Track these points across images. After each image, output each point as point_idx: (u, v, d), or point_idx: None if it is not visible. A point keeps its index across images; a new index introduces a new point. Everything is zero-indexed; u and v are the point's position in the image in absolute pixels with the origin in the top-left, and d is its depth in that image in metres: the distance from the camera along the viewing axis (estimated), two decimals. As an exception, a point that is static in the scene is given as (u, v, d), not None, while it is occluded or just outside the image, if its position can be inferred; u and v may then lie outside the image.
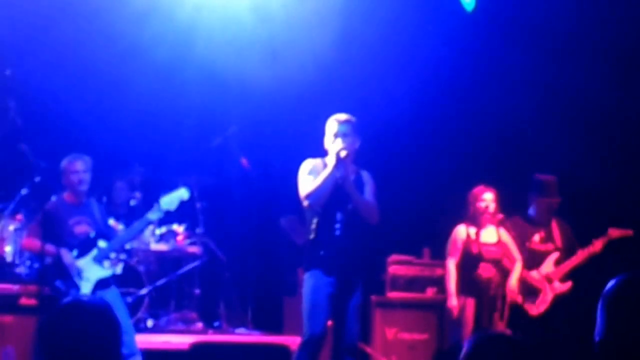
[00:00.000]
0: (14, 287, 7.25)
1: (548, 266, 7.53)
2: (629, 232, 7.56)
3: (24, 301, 7.08)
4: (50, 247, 6.56)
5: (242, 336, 8.75)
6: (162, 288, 9.05)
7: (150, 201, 8.87)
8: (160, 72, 9.12)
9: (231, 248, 9.62)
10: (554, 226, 7.65)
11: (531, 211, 7.68)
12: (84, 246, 6.69)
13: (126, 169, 9.26)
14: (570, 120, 8.71)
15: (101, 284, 6.67)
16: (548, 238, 7.60)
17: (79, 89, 8.94)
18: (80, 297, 2.82)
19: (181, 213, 8.93)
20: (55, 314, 2.65)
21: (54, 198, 6.98)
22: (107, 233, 6.90)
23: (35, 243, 6.63)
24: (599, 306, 2.53)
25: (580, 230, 7.72)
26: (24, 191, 7.77)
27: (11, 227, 7.91)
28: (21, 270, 7.71)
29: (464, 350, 2.86)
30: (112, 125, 9.06)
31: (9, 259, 7.80)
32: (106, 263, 6.74)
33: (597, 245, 7.49)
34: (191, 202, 9.17)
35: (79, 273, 6.60)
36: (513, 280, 7.32)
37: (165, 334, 8.46)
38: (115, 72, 9.06)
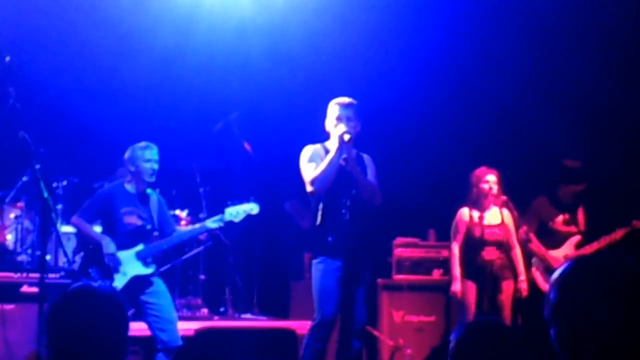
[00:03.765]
0: (16, 276, 7.19)
1: (568, 248, 7.47)
2: None
3: (25, 289, 7.01)
4: (91, 231, 6.46)
5: (248, 321, 8.70)
6: (166, 274, 8.97)
7: (152, 188, 8.86)
8: (160, 57, 9.08)
9: (236, 233, 9.55)
10: (581, 212, 7.60)
11: (559, 197, 7.61)
12: (130, 238, 6.44)
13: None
14: (577, 104, 8.62)
15: (140, 281, 6.41)
16: (572, 221, 7.56)
17: (79, 74, 8.89)
18: (88, 283, 2.78)
19: (184, 198, 8.89)
20: (63, 299, 2.64)
21: (57, 186, 6.87)
22: (162, 229, 6.65)
23: (84, 225, 6.46)
24: (552, 295, 2.32)
25: (601, 219, 7.66)
26: (24, 178, 7.69)
27: (12, 215, 7.84)
28: (23, 258, 7.66)
29: (455, 336, 2.80)
30: (112, 110, 9.00)
31: (10, 247, 7.74)
32: (158, 263, 6.55)
33: (619, 233, 7.41)
34: (194, 187, 9.14)
35: (117, 265, 6.34)
36: (522, 283, 7.24)
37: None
38: (115, 57, 9.01)
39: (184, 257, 9.10)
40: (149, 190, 6.69)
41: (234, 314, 8.99)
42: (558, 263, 7.41)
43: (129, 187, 6.60)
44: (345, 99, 6.19)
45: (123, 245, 6.42)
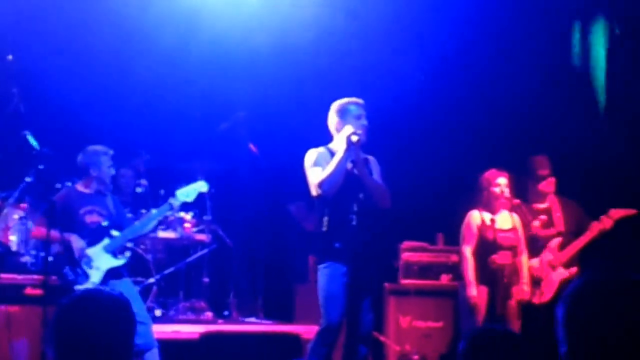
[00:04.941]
0: (20, 277, 7.12)
1: (551, 252, 7.31)
2: (633, 212, 7.23)
3: (29, 291, 6.94)
4: (55, 234, 6.42)
5: (253, 325, 8.63)
6: (170, 277, 8.92)
7: (156, 188, 8.80)
8: (165, 56, 9.01)
9: (240, 235, 9.49)
10: (557, 208, 7.41)
11: (530, 195, 7.46)
12: (95, 235, 6.56)
13: (132, 155, 9.09)
14: (586, 103, 8.52)
15: (112, 274, 6.53)
16: (549, 223, 7.37)
17: (83, 74, 8.81)
18: (97, 288, 2.77)
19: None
20: (70, 303, 2.63)
21: (61, 187, 6.85)
22: (121, 223, 6.75)
23: (43, 231, 6.46)
24: (560, 312, 2.30)
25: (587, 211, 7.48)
26: (28, 179, 7.59)
27: (16, 216, 7.75)
28: (26, 259, 7.57)
29: (461, 347, 2.78)
30: (116, 111, 8.94)
31: (14, 248, 7.65)
32: (124, 253, 6.65)
33: (599, 226, 7.22)
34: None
35: (89, 262, 6.47)
36: (525, 286, 7.13)
37: (174, 323, 8.32)
38: (119, 56, 8.93)
39: (188, 260, 9.03)
40: None
41: (238, 317, 8.92)
42: (542, 272, 7.26)
43: (85, 188, 6.73)
44: (352, 99, 6.12)
45: (89, 244, 6.52)
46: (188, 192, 6.73)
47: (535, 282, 7.24)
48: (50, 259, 6.54)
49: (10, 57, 7.57)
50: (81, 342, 2.57)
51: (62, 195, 6.73)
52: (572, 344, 2.23)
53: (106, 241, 6.56)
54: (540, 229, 7.34)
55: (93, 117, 8.75)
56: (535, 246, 7.32)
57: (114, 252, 6.59)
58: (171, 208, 6.74)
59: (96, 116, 8.79)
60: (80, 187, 6.74)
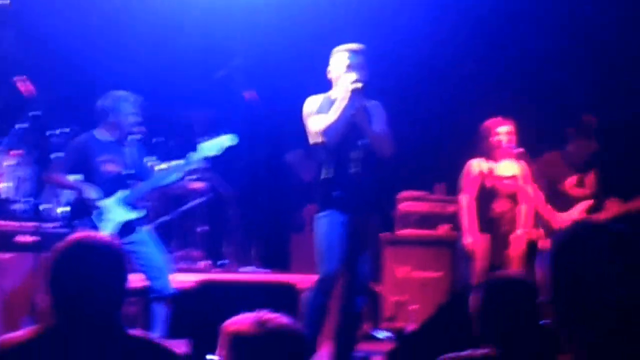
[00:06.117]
0: (11, 224, 7.03)
1: (578, 212, 7.18)
2: None
3: (21, 238, 6.85)
4: (66, 180, 6.27)
5: (248, 274, 8.58)
6: (165, 225, 8.83)
7: (150, 136, 8.68)
8: (162, 2, 8.81)
9: (236, 184, 9.39)
10: (593, 174, 7.25)
11: (569, 150, 7.26)
12: (111, 186, 6.29)
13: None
14: (597, 53, 8.36)
15: (128, 227, 6.29)
16: (582, 183, 7.24)
17: (80, 21, 8.66)
18: (91, 233, 2.78)
19: (183, 149, 8.69)
20: (65, 248, 2.66)
21: (56, 134, 6.72)
22: (140, 174, 6.47)
23: (58, 177, 6.33)
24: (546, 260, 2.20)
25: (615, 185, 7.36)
26: (19, 126, 7.46)
27: (7, 163, 7.64)
28: (18, 207, 7.49)
29: (475, 295, 2.80)
30: (112, 57, 8.77)
31: (6, 195, 7.56)
32: (141, 206, 6.42)
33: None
34: (194, 137, 8.93)
35: (102, 213, 6.21)
36: (521, 229, 7.02)
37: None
38: (116, 2, 8.75)
39: (184, 208, 8.94)
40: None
41: (234, 267, 8.87)
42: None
43: (104, 135, 6.45)
44: (355, 45, 6.01)
45: (105, 194, 6.28)
46: (213, 146, 6.45)
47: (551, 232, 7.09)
48: (61, 209, 6.39)
49: (8, 1, 7.37)
50: (74, 288, 2.59)
51: (80, 140, 6.45)
52: (556, 293, 2.14)
53: (123, 193, 6.32)
54: (572, 187, 7.20)
55: (89, 63, 8.61)
56: (564, 203, 7.17)
57: (131, 205, 6.34)
58: (191, 162, 6.45)
59: (92, 62, 8.65)
60: (99, 133, 6.45)
